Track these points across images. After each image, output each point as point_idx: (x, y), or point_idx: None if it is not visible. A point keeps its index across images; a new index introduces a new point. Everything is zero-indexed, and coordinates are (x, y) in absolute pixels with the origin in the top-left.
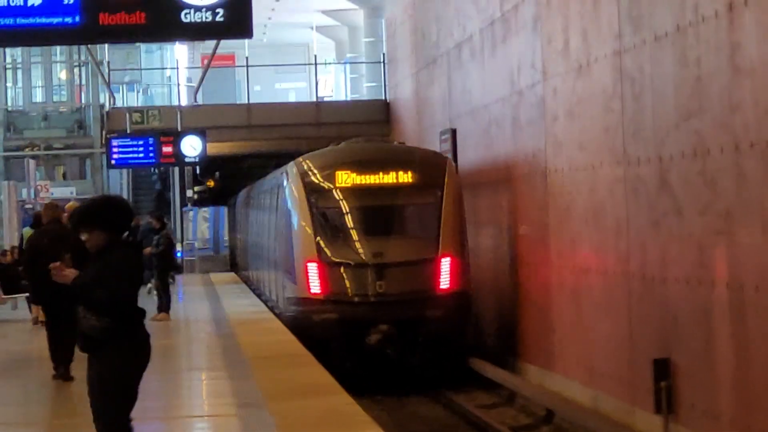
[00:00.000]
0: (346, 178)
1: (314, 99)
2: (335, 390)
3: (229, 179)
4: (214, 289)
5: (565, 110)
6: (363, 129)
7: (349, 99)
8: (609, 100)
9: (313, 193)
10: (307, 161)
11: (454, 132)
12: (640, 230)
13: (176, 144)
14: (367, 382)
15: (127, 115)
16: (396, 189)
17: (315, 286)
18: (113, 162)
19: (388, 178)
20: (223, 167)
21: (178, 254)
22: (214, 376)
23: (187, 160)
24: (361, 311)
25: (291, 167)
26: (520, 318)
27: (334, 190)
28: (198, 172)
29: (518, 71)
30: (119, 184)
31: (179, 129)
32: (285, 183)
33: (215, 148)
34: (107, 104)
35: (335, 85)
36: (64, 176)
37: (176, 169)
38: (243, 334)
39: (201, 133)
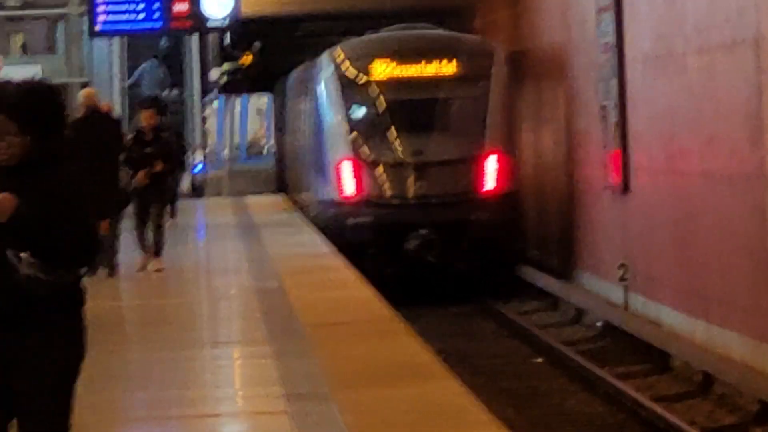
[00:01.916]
0: (384, 68)
1: None
2: (438, 373)
3: (275, 54)
4: (251, 221)
5: None
6: None
7: None
8: None
9: (348, 85)
10: (342, 50)
11: None
12: None
13: (194, 0)
14: (406, 291)
15: None
16: (438, 81)
17: (349, 187)
18: (98, 27)
19: (430, 68)
20: (267, 36)
21: (198, 168)
22: (253, 353)
23: (210, 24)
24: (399, 214)
25: (324, 57)
26: (717, 261)
27: (370, 83)
28: (228, 42)
29: None
30: (108, 62)
31: None
32: (318, 75)
33: (254, 6)
34: None
35: None
36: (24, 49)
37: (195, 38)
38: (297, 290)
39: None
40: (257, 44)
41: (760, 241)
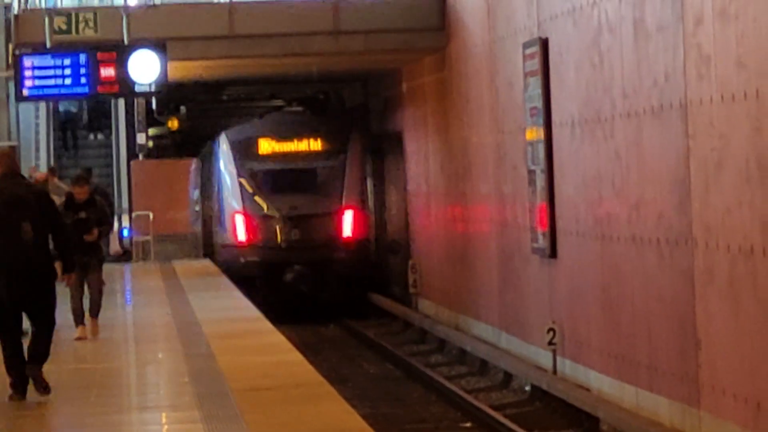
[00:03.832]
0: (267, 145)
1: None
2: None
3: (201, 118)
4: (179, 286)
5: (716, 8)
6: (406, 39)
7: None
8: None
9: (240, 157)
10: (235, 131)
11: (544, 43)
12: None
13: (121, 64)
14: (285, 313)
15: (47, 19)
16: (308, 154)
17: (241, 234)
18: (25, 92)
19: (302, 145)
20: (193, 100)
21: (125, 233)
22: (181, 418)
23: (137, 88)
24: (279, 255)
25: (222, 137)
26: (645, 326)
27: (257, 155)
28: (155, 107)
29: None
30: (34, 125)
31: (126, 41)
32: (218, 149)
33: (180, 71)
34: (16, 4)
35: None
36: None
37: (121, 102)
38: (225, 354)
39: (159, 47)
40: (183, 109)
41: (687, 306)
